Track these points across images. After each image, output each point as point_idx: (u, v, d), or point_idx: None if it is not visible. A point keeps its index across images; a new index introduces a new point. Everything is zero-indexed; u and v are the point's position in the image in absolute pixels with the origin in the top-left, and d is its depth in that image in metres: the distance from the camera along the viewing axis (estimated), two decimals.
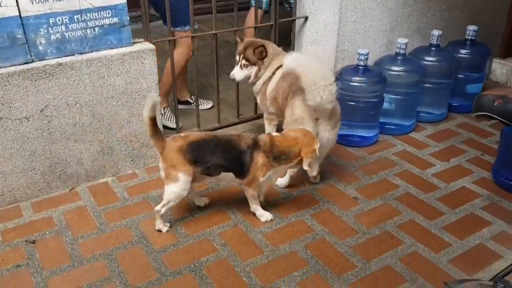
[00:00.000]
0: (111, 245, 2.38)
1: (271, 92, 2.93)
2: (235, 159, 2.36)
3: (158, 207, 2.43)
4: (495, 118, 1.25)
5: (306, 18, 3.43)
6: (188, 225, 2.52)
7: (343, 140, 3.23)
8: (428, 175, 2.92)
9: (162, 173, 2.39)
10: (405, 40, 3.27)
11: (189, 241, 2.41)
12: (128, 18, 2.70)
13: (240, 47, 2.94)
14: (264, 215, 2.54)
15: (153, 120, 2.31)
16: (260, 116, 3.51)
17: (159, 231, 2.48)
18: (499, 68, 4.21)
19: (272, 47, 2.93)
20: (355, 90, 3.14)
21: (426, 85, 3.43)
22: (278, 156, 2.35)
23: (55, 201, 2.72)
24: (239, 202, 2.63)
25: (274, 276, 2.17)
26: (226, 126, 3.46)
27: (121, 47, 2.72)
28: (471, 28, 3.61)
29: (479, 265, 2.20)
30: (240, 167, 2.38)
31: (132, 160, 3.00)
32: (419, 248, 2.32)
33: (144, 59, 2.78)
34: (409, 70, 3.29)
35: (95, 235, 2.46)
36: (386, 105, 3.28)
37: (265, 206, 2.64)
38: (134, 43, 2.79)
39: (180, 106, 3.71)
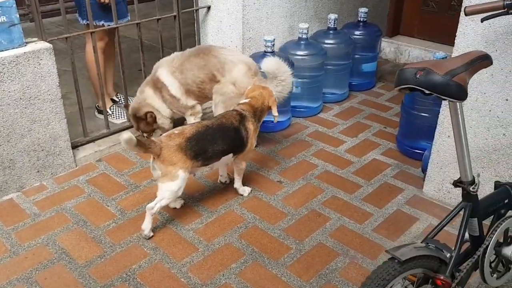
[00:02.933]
0: (28, 267, 2.16)
1: (177, 92, 2.91)
2: (233, 139, 2.45)
3: (150, 205, 2.30)
4: (418, 89, 1.34)
5: (209, 7, 3.39)
6: (113, 233, 2.38)
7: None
8: (341, 152, 3.08)
9: (158, 172, 2.28)
10: (306, 25, 3.38)
11: (117, 250, 2.27)
12: (18, 16, 2.44)
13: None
14: (246, 190, 2.65)
15: (136, 144, 2.17)
16: None
17: (142, 233, 2.33)
18: (388, 47, 4.56)
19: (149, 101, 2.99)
20: (264, 77, 3.18)
21: (328, 67, 3.59)
22: (259, 116, 2.60)
23: None
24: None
25: (212, 271, 2.14)
26: None
27: (12, 48, 2.45)
28: (362, 10, 3.83)
29: (399, 229, 2.38)
30: (239, 144, 2.48)
31: (38, 171, 2.74)
32: (345, 221, 2.44)
33: (40, 59, 2.53)
34: (313, 54, 3.41)
35: (8, 259, 2.21)
36: (293, 89, 3.38)
37: (192, 201, 2.59)
38: (27, 43, 2.53)
39: (99, 116, 3.48)
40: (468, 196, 1.60)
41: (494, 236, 1.66)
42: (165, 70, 2.91)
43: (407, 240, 2.30)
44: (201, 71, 2.88)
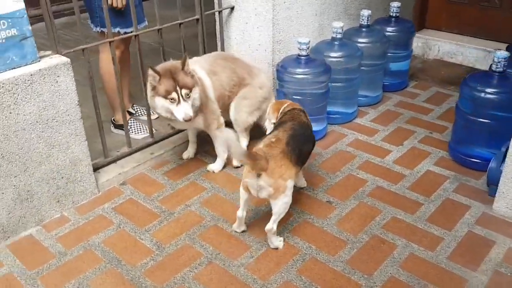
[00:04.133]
0: None
1: (212, 94, 2.61)
2: (312, 136, 2.44)
3: (269, 226, 2.12)
4: None
5: (232, 8, 3.07)
6: (153, 274, 2.08)
7: None
8: (389, 163, 2.80)
9: (268, 190, 2.05)
10: (341, 24, 3.08)
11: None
12: (30, 28, 2.11)
13: (167, 77, 2.35)
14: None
15: (248, 157, 2.02)
16: None
17: (276, 248, 2.19)
18: (415, 42, 4.26)
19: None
20: (301, 82, 2.89)
21: (361, 68, 3.30)
22: None
23: None
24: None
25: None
26: (161, 140, 2.99)
27: (25, 65, 2.13)
28: (395, 4, 3.54)
29: (477, 256, 2.11)
30: (314, 141, 2.46)
31: (58, 201, 2.43)
32: (414, 248, 2.16)
33: (58, 76, 2.21)
34: (349, 55, 3.11)
35: None
36: None
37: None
38: (41, 57, 2.20)
39: (116, 131, 3.17)
40: None
41: None
42: (200, 68, 2.62)
43: (488, 269, 2.03)
44: (233, 74, 2.71)
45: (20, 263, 2.16)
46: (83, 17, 2.55)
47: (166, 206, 2.50)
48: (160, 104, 2.39)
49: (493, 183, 2.42)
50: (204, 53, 3.00)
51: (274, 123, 2.43)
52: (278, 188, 2.05)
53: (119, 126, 3.14)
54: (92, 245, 2.25)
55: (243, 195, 2.18)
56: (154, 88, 2.37)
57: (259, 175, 2.02)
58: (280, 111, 2.45)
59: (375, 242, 2.22)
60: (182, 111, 2.35)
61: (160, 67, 2.42)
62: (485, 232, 2.24)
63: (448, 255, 2.12)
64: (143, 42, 2.77)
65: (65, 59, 2.24)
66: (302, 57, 2.89)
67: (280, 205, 2.10)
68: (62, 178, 2.40)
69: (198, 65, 2.62)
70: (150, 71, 2.32)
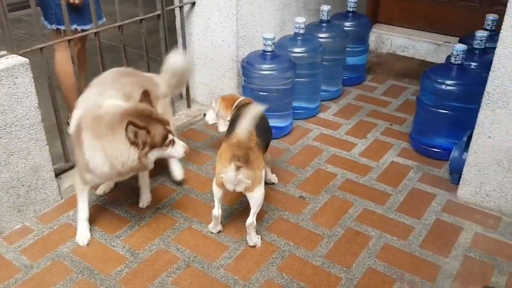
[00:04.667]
0: None
1: None
2: (270, 127, 2.47)
3: (250, 220, 2.11)
4: None
5: (193, 3, 3.00)
6: (129, 282, 2.01)
7: None
8: (356, 156, 2.86)
9: (246, 182, 2.04)
10: (303, 19, 3.09)
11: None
12: None
13: (152, 124, 1.95)
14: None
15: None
16: None
17: (255, 246, 2.18)
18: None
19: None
20: (267, 78, 2.88)
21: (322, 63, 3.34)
22: None
23: None
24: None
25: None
26: None
27: None
28: None
29: (447, 242, 2.19)
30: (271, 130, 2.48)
31: (19, 211, 2.28)
32: (388, 239, 2.22)
33: (16, 78, 2.07)
34: (312, 50, 3.13)
35: None
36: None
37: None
38: None
39: None
40: None
41: None
42: (117, 95, 2.16)
43: (459, 254, 2.13)
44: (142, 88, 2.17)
45: None
46: (30, 13, 2.39)
47: (135, 211, 2.41)
48: (156, 156, 1.99)
49: (455, 171, 2.53)
50: (166, 50, 2.92)
51: (228, 120, 2.42)
52: (255, 180, 2.05)
53: None
54: (60, 255, 2.13)
55: (217, 192, 2.14)
56: (144, 145, 1.91)
57: (238, 168, 2.00)
58: (234, 106, 2.47)
59: (350, 234, 2.25)
60: (181, 145, 2.06)
61: (135, 119, 1.87)
62: (452, 219, 2.34)
63: (420, 243, 2.20)
64: (94, 39, 2.63)
65: (23, 60, 2.09)
66: (268, 53, 2.88)
67: (257, 197, 2.10)
68: (22, 186, 2.25)
69: (112, 91, 2.13)
70: (131, 128, 1.84)
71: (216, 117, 2.60)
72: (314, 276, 2.03)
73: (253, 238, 2.17)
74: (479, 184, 2.36)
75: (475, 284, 1.95)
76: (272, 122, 2.98)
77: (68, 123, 3.02)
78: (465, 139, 2.49)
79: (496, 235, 2.23)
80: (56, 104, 2.46)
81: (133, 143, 1.87)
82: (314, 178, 2.66)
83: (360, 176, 2.67)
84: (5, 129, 2.09)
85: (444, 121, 2.69)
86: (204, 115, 2.70)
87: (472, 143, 2.32)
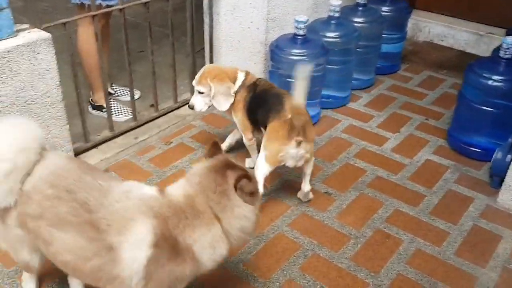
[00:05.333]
0: None
1: None
2: None
3: (308, 186, 2.23)
4: None
5: None
6: None
7: None
8: (387, 151, 2.70)
9: (306, 157, 2.10)
10: (339, 1, 2.91)
11: None
12: None
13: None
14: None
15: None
16: (183, 105, 2.94)
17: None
18: None
19: None
20: (293, 64, 2.71)
21: (356, 49, 3.15)
22: None
23: None
24: None
25: None
26: (145, 123, 2.79)
27: (0, 39, 1.88)
28: None
29: (485, 252, 2.04)
30: None
31: None
32: (420, 244, 2.08)
33: (37, 53, 1.98)
34: (346, 35, 2.96)
35: None
36: None
37: None
38: (17, 32, 1.95)
39: (94, 112, 2.92)
40: None
41: None
42: None
43: (497, 266, 1.97)
44: None
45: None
46: None
47: None
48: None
49: (497, 174, 2.35)
50: (192, 30, 2.78)
51: (235, 92, 2.30)
52: (312, 151, 2.15)
53: (98, 107, 2.91)
54: None
55: (267, 171, 2.10)
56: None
57: (299, 144, 2.02)
58: (246, 85, 2.32)
59: (379, 236, 2.12)
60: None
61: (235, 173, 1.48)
62: (491, 226, 2.18)
63: (455, 250, 2.05)
64: (118, 16, 2.51)
65: (45, 34, 1.99)
66: (299, 37, 2.72)
67: (311, 165, 2.19)
68: None
69: None
70: (243, 183, 1.43)
71: (208, 99, 2.31)
72: (339, 279, 1.91)
73: (310, 195, 2.29)
74: None
75: None
76: None
77: (90, 102, 2.95)
78: (510, 140, 2.31)
79: None
80: (78, 82, 2.37)
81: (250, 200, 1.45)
82: (341, 173, 2.51)
83: (391, 174, 2.52)
84: (25, 106, 2.01)
85: (487, 119, 2.50)
86: (191, 107, 2.35)
87: None
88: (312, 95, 2.82)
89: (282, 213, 2.23)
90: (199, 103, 2.33)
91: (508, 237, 2.12)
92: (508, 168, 2.22)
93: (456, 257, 2.01)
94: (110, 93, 3.03)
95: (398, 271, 1.95)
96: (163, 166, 2.52)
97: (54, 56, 2.04)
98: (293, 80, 2.70)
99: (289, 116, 2.03)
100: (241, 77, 2.33)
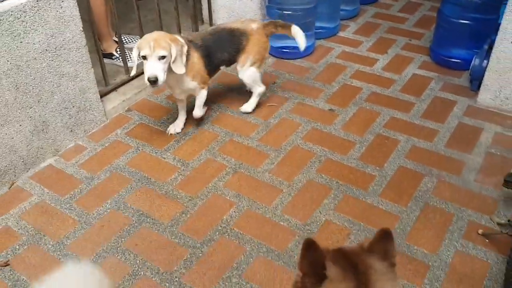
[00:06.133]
0: (111, 236, 1.98)
1: None
2: None
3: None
4: None
5: None
6: (185, 186, 2.22)
7: (284, 53, 3.12)
8: (379, 70, 3.00)
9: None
10: None
11: (198, 203, 2.13)
12: None
13: None
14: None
15: None
16: None
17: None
18: None
19: None
20: None
21: None
22: None
23: None
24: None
25: (307, 211, 2.07)
26: None
27: None
28: None
29: (470, 142, 2.40)
30: None
31: (71, 130, 2.45)
32: (415, 141, 2.42)
33: (62, 1, 2.15)
34: None
35: (82, 231, 2.01)
36: None
37: (251, 141, 2.45)
38: None
39: (105, 61, 3.08)
40: None
41: None
42: None
43: (481, 152, 2.33)
44: None
45: (49, 191, 2.21)
46: None
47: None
48: None
49: (475, 78, 2.68)
50: None
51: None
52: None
53: (108, 55, 3.09)
54: (117, 167, 2.33)
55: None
56: None
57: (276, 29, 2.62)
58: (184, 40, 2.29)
59: (380, 139, 2.45)
60: None
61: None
62: (473, 122, 2.53)
63: (445, 143, 2.40)
64: None
65: None
66: None
67: None
68: (73, 107, 2.41)
69: None
70: None
71: (167, 65, 2.18)
72: (351, 175, 2.24)
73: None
74: (499, 89, 2.52)
75: (497, 175, 2.16)
76: (296, 43, 3.12)
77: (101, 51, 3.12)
78: (486, 47, 2.62)
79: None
80: (95, 29, 2.55)
81: None
82: (341, 93, 2.81)
83: (384, 89, 2.83)
84: (55, 52, 2.21)
85: (465, 32, 2.80)
86: (154, 79, 2.12)
87: (494, 49, 2.45)
88: (306, 26, 3.09)
89: (295, 130, 2.52)
90: (161, 72, 2.14)
91: (488, 128, 2.48)
92: (485, 71, 2.55)
93: (446, 148, 2.37)
94: (116, 42, 3.21)
95: (398, 164, 2.29)
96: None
97: (76, 3, 2.23)
98: (288, 12, 2.97)
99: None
100: (180, 38, 2.28)
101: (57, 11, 2.15)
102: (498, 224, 1.86)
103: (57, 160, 2.39)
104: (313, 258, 0.92)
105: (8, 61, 2.02)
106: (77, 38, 2.29)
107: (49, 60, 2.20)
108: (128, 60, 3.06)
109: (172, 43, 2.17)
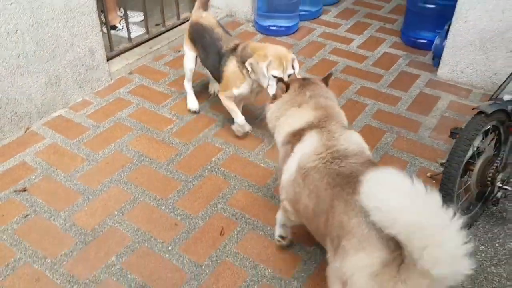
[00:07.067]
0: (115, 170, 2.32)
1: None
2: None
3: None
4: None
5: None
6: (180, 135, 2.55)
7: (270, 31, 3.47)
8: (354, 48, 3.36)
9: None
10: None
11: (190, 148, 2.46)
12: None
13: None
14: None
15: None
16: (185, 22, 3.48)
17: None
18: None
19: None
20: None
21: None
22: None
23: (16, 146, 2.45)
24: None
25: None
26: (156, 36, 3.33)
27: None
28: None
29: (428, 107, 2.76)
30: None
31: (80, 86, 2.77)
32: (380, 105, 2.78)
33: None
34: None
35: (90, 166, 2.34)
36: None
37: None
38: None
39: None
40: None
41: None
42: None
43: (437, 115, 2.70)
44: None
45: (60, 135, 2.53)
46: None
47: (175, 88, 2.92)
48: None
49: (437, 56, 3.05)
50: None
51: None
52: None
53: (112, 27, 3.41)
54: (120, 118, 2.66)
55: None
56: None
57: None
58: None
59: (351, 103, 2.81)
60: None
61: None
62: (432, 92, 2.90)
63: (406, 107, 2.77)
64: None
65: None
66: None
67: None
68: (83, 65, 2.73)
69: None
70: None
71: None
72: None
73: None
74: (455, 63, 2.90)
75: (448, 133, 2.52)
76: (282, 22, 3.48)
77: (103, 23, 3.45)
78: (446, 27, 2.99)
79: (467, 102, 2.80)
80: (105, 2, 2.88)
81: None
82: (319, 65, 3.17)
83: (358, 63, 3.19)
84: (70, 13, 2.53)
85: (430, 16, 3.18)
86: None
87: (450, 28, 2.83)
88: (291, 7, 3.45)
89: None
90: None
91: (444, 97, 2.85)
92: (443, 49, 2.93)
93: (407, 111, 2.74)
94: (119, 16, 3.53)
95: (365, 123, 2.65)
96: (177, 67, 3.10)
97: None
98: None
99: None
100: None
101: None
102: (441, 164, 2.22)
103: (67, 111, 2.71)
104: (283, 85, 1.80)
105: (30, 18, 2.34)
106: (90, 3, 2.61)
107: (65, 21, 2.52)
108: (131, 31, 3.39)
109: (294, 56, 2.28)
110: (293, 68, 2.26)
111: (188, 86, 2.72)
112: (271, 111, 1.82)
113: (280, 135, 1.76)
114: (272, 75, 2.20)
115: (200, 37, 2.50)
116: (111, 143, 2.49)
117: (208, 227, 2.05)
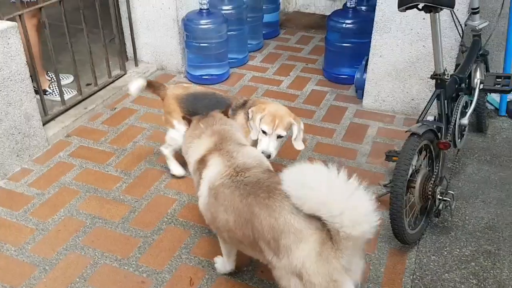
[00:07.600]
0: (68, 236, 2.25)
1: None
2: None
3: None
4: (426, 5, 1.81)
5: None
6: (130, 191, 2.54)
7: (204, 80, 3.60)
8: (284, 89, 3.58)
9: None
10: None
11: (144, 203, 2.46)
12: None
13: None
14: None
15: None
16: (117, 79, 3.51)
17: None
18: None
19: None
20: (206, 32, 3.46)
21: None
22: None
23: None
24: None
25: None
26: (89, 96, 3.31)
27: None
28: None
29: (360, 135, 3.00)
30: None
31: (18, 155, 2.68)
32: (319, 139, 2.97)
33: (9, 39, 2.46)
34: (238, 7, 3.77)
35: (40, 236, 2.26)
36: None
37: None
38: None
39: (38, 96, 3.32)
40: (442, 84, 2.19)
41: (459, 109, 2.32)
42: None
43: (369, 141, 2.94)
44: None
45: (3, 208, 2.42)
46: None
47: (116, 145, 2.91)
48: None
49: (359, 88, 3.35)
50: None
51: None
52: None
53: (37, 92, 3.35)
54: (64, 183, 2.60)
55: None
56: None
57: None
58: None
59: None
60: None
61: None
62: (361, 121, 3.16)
63: (341, 138, 2.98)
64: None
65: (12, 23, 2.48)
66: (204, 11, 3.46)
67: None
68: (19, 133, 2.65)
69: None
70: None
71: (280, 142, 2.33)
72: None
73: None
74: (377, 93, 3.20)
75: (382, 157, 2.75)
76: (213, 71, 3.63)
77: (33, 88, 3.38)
78: (363, 63, 3.30)
79: (393, 127, 3.08)
80: (34, 65, 2.84)
81: None
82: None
83: (290, 102, 3.40)
84: (3, 83, 2.48)
85: (347, 53, 3.49)
86: (269, 156, 2.17)
87: (369, 63, 3.13)
88: (220, 56, 3.63)
89: None
90: (275, 150, 2.25)
91: (373, 125, 3.11)
92: (365, 82, 3.22)
93: (343, 141, 2.95)
94: (47, 79, 3.48)
95: (308, 156, 2.82)
96: (116, 125, 3.10)
97: (20, 40, 2.53)
98: (205, 44, 3.47)
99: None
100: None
101: (5, 47, 2.44)
102: (384, 185, 2.42)
103: (6, 182, 2.59)
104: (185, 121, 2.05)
105: None
106: (22, 70, 2.58)
107: None
108: (66, 93, 3.35)
109: (294, 122, 2.27)
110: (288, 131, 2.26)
111: (170, 153, 2.59)
112: (182, 147, 2.07)
113: (190, 166, 1.96)
114: (261, 129, 2.23)
115: (198, 103, 2.44)
116: (59, 209, 2.41)
117: (176, 279, 2.04)
